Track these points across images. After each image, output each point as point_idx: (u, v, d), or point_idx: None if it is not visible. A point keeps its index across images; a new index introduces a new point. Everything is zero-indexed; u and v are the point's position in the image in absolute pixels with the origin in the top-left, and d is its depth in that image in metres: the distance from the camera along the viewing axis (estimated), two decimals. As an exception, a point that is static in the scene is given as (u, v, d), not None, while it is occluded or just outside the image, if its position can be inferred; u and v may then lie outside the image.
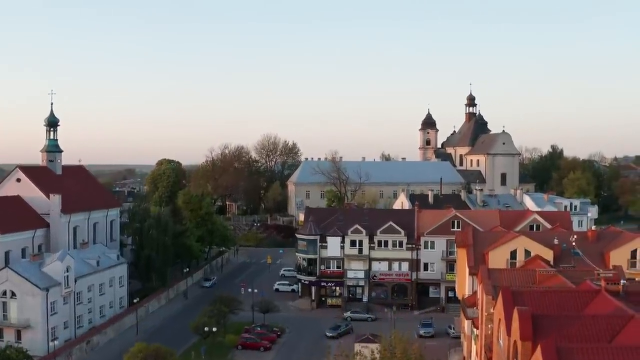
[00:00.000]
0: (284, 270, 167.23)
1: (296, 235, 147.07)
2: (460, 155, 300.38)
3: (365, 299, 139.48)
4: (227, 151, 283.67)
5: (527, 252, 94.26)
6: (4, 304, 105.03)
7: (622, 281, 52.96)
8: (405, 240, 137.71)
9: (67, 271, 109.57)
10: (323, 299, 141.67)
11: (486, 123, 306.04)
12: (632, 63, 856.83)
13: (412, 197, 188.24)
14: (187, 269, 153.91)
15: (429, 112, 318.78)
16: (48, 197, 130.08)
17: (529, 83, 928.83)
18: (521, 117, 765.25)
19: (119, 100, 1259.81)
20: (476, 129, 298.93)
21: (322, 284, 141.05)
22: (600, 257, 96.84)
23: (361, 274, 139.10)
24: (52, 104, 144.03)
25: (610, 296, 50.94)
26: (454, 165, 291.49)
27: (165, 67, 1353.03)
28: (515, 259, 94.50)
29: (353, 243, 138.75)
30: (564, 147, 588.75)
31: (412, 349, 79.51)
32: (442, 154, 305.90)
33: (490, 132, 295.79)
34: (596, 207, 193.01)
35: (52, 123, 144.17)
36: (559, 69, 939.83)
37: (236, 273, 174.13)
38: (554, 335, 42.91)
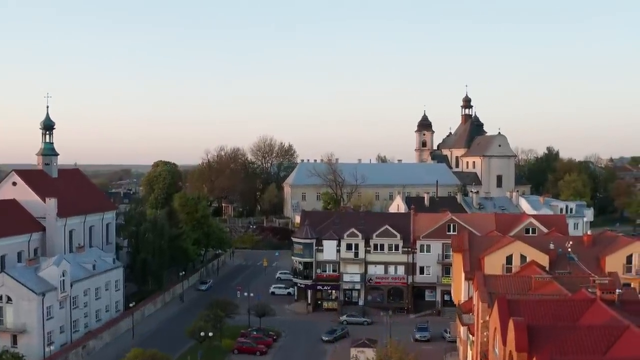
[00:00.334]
0: (280, 273, 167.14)
1: (292, 238, 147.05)
2: (456, 157, 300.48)
3: (361, 303, 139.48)
4: (223, 153, 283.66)
5: (523, 257, 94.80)
6: (0, 308, 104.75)
7: (617, 290, 52.92)
8: (401, 244, 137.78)
9: (63, 276, 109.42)
10: (319, 302, 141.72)
11: (482, 125, 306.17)
12: (628, 63, 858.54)
13: (408, 200, 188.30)
14: (183, 272, 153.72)
15: (424, 114, 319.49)
16: (44, 200, 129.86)
17: (525, 84, 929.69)
18: (517, 118, 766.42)
19: (114, 100, 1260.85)
20: (472, 130, 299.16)
21: (318, 287, 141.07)
22: (595, 261, 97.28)
23: (357, 278, 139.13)
24: (47, 107, 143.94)
25: (606, 305, 51.05)
26: (450, 167, 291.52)
27: (161, 68, 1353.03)
28: (511, 264, 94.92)
29: (349, 246, 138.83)
30: (560, 148, 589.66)
31: (409, 359, 79.62)
32: (438, 156, 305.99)
33: (486, 134, 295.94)
34: (592, 209, 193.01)
35: (48, 126, 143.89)
36: (556, 70, 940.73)
37: (232, 276, 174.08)
38: (549, 346, 43.04)
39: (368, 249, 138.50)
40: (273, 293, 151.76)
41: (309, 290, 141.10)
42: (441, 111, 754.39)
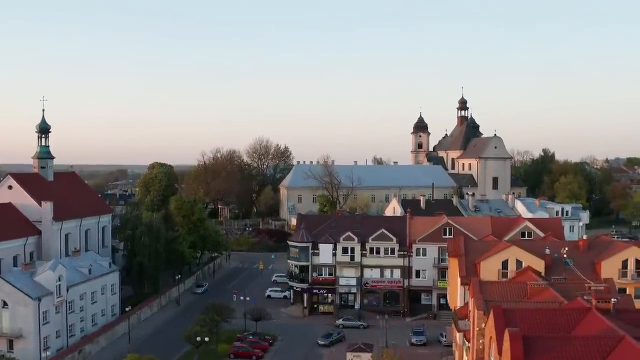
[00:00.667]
0: (276, 276, 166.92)
1: (288, 242, 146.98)
2: (452, 159, 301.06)
3: (357, 306, 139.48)
4: (219, 155, 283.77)
5: (519, 262, 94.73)
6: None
7: (612, 299, 53.01)
8: (397, 248, 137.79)
9: (59, 280, 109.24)
10: (315, 306, 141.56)
11: (478, 126, 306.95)
12: (625, 64, 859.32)
13: (404, 203, 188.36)
14: (179, 276, 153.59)
15: (420, 116, 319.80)
16: (40, 204, 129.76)
17: (521, 86, 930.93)
18: (513, 119, 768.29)
19: (110, 100, 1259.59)
20: (468, 132, 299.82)
21: (314, 291, 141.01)
22: (591, 266, 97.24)
23: (353, 281, 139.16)
24: (43, 110, 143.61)
25: (601, 315, 51.11)
26: (446, 169, 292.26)
27: (157, 68, 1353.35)
28: (507, 269, 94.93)
29: (345, 250, 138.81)
30: (556, 149, 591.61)
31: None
32: (434, 158, 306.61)
33: (482, 136, 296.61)
34: (588, 212, 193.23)
35: (43, 130, 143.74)
36: (552, 71, 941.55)
37: (228, 279, 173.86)
38: (545, 357, 43.15)
39: (364, 252, 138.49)
40: (269, 296, 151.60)
41: (305, 294, 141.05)
42: (437, 113, 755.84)
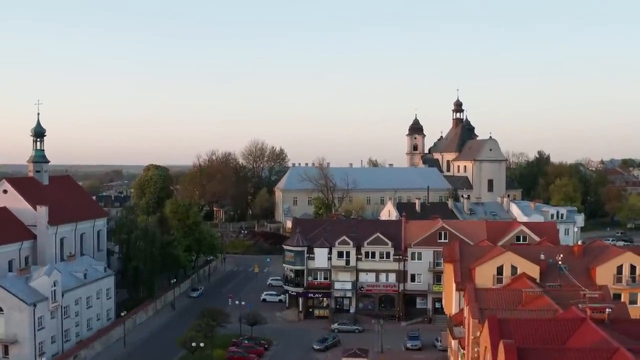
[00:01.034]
0: (272, 280, 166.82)
1: (283, 246, 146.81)
2: (448, 161, 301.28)
3: (352, 310, 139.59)
4: (214, 157, 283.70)
5: (514, 268, 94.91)
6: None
7: (607, 310, 53.15)
8: (392, 252, 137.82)
9: (54, 285, 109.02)
10: (310, 310, 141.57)
11: (473, 128, 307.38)
12: (622, 64, 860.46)
13: (399, 206, 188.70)
14: (175, 280, 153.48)
15: (416, 118, 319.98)
16: (35, 208, 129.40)
17: (517, 87, 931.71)
18: (509, 121, 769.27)
19: (105, 100, 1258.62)
20: (463, 134, 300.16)
21: (310, 295, 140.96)
22: (586, 272, 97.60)
23: (348, 285, 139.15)
24: (38, 114, 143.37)
25: (595, 325, 51.23)
26: (441, 171, 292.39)
27: (153, 68, 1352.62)
28: (502, 275, 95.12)
29: (340, 254, 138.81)
30: (552, 150, 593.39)
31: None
32: (429, 160, 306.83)
33: (477, 138, 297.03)
34: (582, 215, 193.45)
35: (38, 133, 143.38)
36: (548, 72, 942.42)
37: (224, 282, 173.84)
38: (539, 370, 43.29)
39: (359, 256, 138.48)
40: (264, 300, 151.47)
41: (300, 298, 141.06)
42: (432, 115, 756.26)
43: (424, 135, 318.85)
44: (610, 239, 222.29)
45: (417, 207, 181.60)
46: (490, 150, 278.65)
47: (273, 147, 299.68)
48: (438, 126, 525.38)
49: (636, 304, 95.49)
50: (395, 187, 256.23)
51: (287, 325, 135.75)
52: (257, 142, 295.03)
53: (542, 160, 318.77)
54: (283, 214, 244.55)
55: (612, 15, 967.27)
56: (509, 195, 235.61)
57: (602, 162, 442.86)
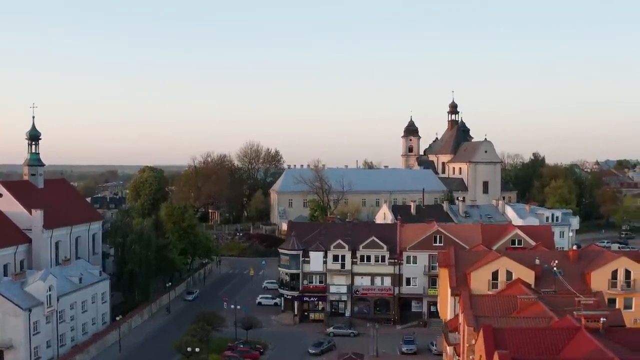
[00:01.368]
0: (267, 283, 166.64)
1: (279, 249, 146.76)
2: (443, 163, 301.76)
3: (347, 314, 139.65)
4: (209, 159, 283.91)
5: (509, 273, 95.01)
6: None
7: (602, 319, 53.23)
8: (387, 255, 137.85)
9: (50, 290, 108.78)
10: (306, 313, 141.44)
11: (468, 130, 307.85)
12: (619, 64, 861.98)
13: (394, 209, 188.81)
14: (170, 283, 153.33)
15: (411, 119, 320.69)
16: (30, 212, 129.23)
17: (512, 88, 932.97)
18: (504, 122, 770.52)
19: (101, 100, 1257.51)
20: (458, 136, 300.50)
21: (305, 298, 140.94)
22: (581, 277, 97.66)
23: (344, 289, 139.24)
24: (33, 117, 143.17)
25: (590, 334, 51.29)
26: (436, 173, 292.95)
27: (148, 68, 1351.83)
28: (497, 280, 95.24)
29: (335, 258, 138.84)
30: (547, 150, 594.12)
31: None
32: (424, 162, 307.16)
33: (473, 140, 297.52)
34: (578, 218, 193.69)
35: (33, 137, 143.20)
36: (543, 73, 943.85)
37: (219, 285, 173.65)
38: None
39: (354, 260, 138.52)
40: (260, 303, 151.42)
41: (295, 302, 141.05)
42: (428, 116, 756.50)
43: (419, 137, 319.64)
44: (605, 241, 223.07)
45: (413, 210, 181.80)
46: (486, 152, 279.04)
47: (268, 149, 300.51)
48: (433, 128, 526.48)
49: (631, 309, 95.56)
50: (390, 189, 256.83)
51: (283, 328, 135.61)
52: (252, 143, 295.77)
53: (537, 162, 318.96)
54: (278, 216, 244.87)
55: (605, 16, 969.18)
56: (504, 198, 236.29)
57: (597, 163, 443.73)
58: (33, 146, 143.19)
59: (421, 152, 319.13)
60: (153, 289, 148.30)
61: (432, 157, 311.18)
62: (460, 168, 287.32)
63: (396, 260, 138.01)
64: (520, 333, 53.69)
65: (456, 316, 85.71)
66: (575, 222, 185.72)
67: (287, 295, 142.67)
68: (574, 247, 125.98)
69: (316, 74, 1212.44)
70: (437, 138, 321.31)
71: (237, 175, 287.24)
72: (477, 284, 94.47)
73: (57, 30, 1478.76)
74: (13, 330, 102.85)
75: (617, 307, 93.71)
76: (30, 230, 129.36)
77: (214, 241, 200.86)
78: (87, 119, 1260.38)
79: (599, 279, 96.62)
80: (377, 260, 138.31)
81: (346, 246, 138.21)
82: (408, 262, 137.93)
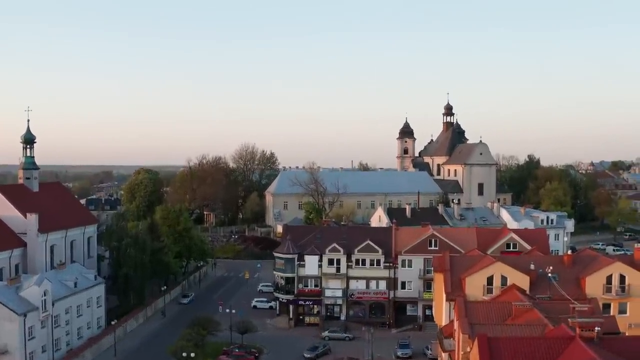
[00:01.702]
0: (262, 286, 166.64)
1: (274, 253, 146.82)
2: (438, 165, 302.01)
3: (343, 318, 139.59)
4: (204, 161, 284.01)
5: (504, 278, 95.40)
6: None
7: (596, 328, 53.35)
8: (382, 259, 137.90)
9: (45, 295, 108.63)
10: (301, 317, 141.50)
11: (463, 132, 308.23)
12: (615, 65, 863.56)
13: (390, 212, 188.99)
14: (165, 287, 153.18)
15: (406, 121, 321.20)
16: (25, 216, 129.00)
17: (507, 90, 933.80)
18: (499, 123, 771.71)
19: (96, 100, 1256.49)
20: (453, 138, 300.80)
21: (300, 302, 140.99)
22: (576, 282, 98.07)
23: (339, 293, 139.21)
24: (28, 121, 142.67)
25: (585, 344, 51.39)
26: (432, 175, 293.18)
27: (143, 68, 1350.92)
28: (492, 285, 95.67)
29: (331, 262, 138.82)
30: (542, 151, 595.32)
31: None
32: (419, 164, 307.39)
33: (468, 142, 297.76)
34: (572, 220, 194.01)
35: (28, 140, 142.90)
36: (538, 74, 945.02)
37: (214, 288, 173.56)
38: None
39: (350, 264, 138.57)
40: (255, 307, 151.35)
41: (290, 305, 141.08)
42: (424, 118, 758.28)
43: (415, 139, 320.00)
44: (600, 243, 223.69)
45: (408, 213, 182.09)
46: (481, 154, 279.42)
47: (264, 151, 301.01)
48: (428, 129, 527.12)
49: (625, 313, 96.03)
50: (385, 191, 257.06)
51: (278, 332, 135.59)
52: (247, 145, 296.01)
53: (532, 163, 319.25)
54: (274, 218, 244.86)
55: (604, 16, 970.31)
56: (499, 200, 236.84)
57: (592, 164, 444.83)
58: (28, 150, 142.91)
59: (416, 154, 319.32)
60: (148, 292, 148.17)
61: (427, 159, 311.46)
62: (455, 170, 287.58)
63: (391, 264, 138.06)
64: (515, 342, 53.79)
65: (451, 322, 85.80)
66: (570, 224, 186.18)
67: (283, 299, 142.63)
68: (569, 251, 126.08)
69: (315, 74, 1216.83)
70: (432, 140, 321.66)
71: (233, 177, 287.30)
72: (472, 289, 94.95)
73: (57, 30, 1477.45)
74: (8, 336, 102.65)
75: (612, 312, 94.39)
76: (25, 234, 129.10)
77: (209, 244, 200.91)
78: (83, 119, 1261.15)
79: (593, 284, 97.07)
80: (372, 264, 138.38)
81: (341, 250, 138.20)
82: (403, 265, 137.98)
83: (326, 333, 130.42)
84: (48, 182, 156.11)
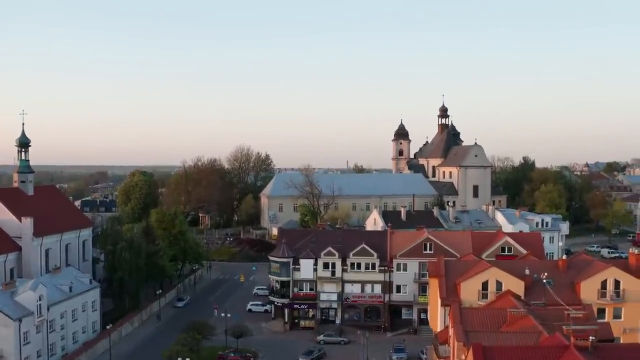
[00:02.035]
0: (257, 289, 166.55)
1: (269, 257, 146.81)
2: (433, 167, 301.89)
3: (338, 321, 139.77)
4: (199, 163, 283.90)
5: (499, 283, 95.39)
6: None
7: (591, 337, 53.42)
8: (377, 263, 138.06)
9: (40, 300, 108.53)
10: (296, 320, 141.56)
11: (458, 134, 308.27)
12: (609, 66, 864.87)
13: (385, 214, 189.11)
14: (160, 291, 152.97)
15: (401, 123, 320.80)
16: (20, 220, 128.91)
17: (503, 91, 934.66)
18: (494, 124, 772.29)
19: (90, 102, 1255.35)
20: (448, 140, 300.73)
21: (295, 306, 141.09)
22: (570, 287, 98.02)
23: (334, 296, 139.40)
24: (23, 124, 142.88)
25: (579, 353, 51.48)
26: (427, 177, 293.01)
27: (140, 68, 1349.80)
28: (487, 290, 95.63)
29: (326, 265, 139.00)
30: (537, 152, 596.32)
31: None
32: (414, 165, 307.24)
33: (463, 144, 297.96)
34: (567, 223, 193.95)
35: (23, 144, 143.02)
36: (534, 75, 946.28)
37: (209, 291, 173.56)
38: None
39: (345, 267, 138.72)
40: (250, 310, 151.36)
41: (286, 309, 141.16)
42: (418, 120, 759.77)
43: (410, 141, 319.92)
44: (595, 245, 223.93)
45: (403, 216, 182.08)
46: (476, 156, 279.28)
47: (259, 153, 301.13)
48: (424, 131, 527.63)
49: (620, 318, 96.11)
50: (380, 194, 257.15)
51: (273, 336, 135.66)
52: (242, 147, 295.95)
53: (527, 166, 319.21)
54: (269, 221, 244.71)
55: (592, 21, 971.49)
56: (494, 202, 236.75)
57: (587, 165, 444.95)
58: (23, 153, 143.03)
59: (412, 156, 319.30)
60: (143, 296, 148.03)
61: (422, 161, 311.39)
62: (450, 172, 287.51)
63: (386, 268, 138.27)
64: (510, 352, 53.86)
65: (446, 328, 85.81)
66: (565, 227, 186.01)
67: (278, 303, 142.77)
68: (564, 256, 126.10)
69: (313, 74, 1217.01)
70: (427, 142, 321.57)
71: (228, 179, 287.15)
72: (467, 295, 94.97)
73: (56, 29, 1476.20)
74: (3, 341, 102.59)
75: (606, 317, 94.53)
76: (20, 238, 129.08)
77: (204, 246, 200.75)
78: (78, 119, 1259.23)
79: (588, 289, 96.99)
80: (367, 268, 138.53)
81: (336, 254, 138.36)
82: (398, 269, 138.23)
83: (321, 337, 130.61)
84: (43, 185, 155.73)
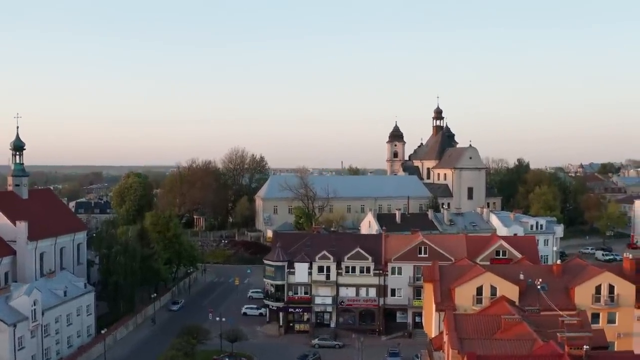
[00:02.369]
0: (252, 292, 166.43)
1: (264, 260, 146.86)
2: (428, 169, 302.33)
3: (332, 325, 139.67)
4: (194, 165, 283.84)
5: (493, 288, 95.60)
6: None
7: (585, 347, 53.60)
8: (372, 266, 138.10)
9: (35, 304, 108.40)
10: (291, 324, 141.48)
11: (453, 135, 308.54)
12: (603, 67, 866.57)
13: (379, 217, 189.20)
14: (155, 294, 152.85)
15: (396, 125, 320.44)
16: (14, 224, 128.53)
17: (499, 92, 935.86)
18: (489, 126, 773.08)
19: (86, 101, 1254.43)
20: (443, 142, 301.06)
21: (290, 309, 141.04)
22: (565, 292, 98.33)
23: (329, 300, 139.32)
24: (17, 127, 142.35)
25: (573, 362, 51.74)
26: (421, 179, 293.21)
27: (135, 68, 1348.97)
28: (482, 295, 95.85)
29: (321, 269, 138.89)
30: (532, 153, 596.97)
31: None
32: (409, 167, 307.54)
33: (458, 145, 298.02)
34: (562, 225, 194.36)
35: (17, 147, 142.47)
36: (530, 76, 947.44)
37: (204, 294, 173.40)
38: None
39: (339, 271, 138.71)
40: (245, 314, 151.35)
41: (280, 313, 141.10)
42: (413, 121, 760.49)
43: (404, 142, 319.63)
44: (590, 247, 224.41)
45: (398, 218, 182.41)
46: (470, 158, 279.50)
47: (253, 155, 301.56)
48: (418, 133, 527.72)
49: (614, 323, 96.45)
50: (375, 196, 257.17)
51: (268, 340, 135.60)
52: (237, 149, 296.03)
53: (521, 167, 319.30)
54: (264, 223, 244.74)
55: (588, 21, 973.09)
56: (488, 204, 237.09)
57: (581, 166, 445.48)
58: (17, 156, 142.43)
59: (406, 158, 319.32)
60: (138, 299, 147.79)
61: (417, 163, 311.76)
62: (445, 174, 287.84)
63: (381, 271, 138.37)
64: (505, 361, 54.09)
65: (441, 334, 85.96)
66: (559, 230, 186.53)
67: (273, 306, 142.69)
68: (559, 260, 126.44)
69: (309, 75, 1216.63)
70: (422, 143, 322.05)
71: (222, 180, 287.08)
72: (461, 300, 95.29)
73: (52, 30, 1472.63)
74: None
75: (601, 322, 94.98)
76: (15, 242, 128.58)
77: (199, 248, 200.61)
78: (73, 119, 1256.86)
79: (582, 294, 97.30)
80: (362, 271, 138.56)
81: (331, 257, 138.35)
82: (393, 273, 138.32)
83: (316, 341, 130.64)
84: (38, 188, 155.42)
